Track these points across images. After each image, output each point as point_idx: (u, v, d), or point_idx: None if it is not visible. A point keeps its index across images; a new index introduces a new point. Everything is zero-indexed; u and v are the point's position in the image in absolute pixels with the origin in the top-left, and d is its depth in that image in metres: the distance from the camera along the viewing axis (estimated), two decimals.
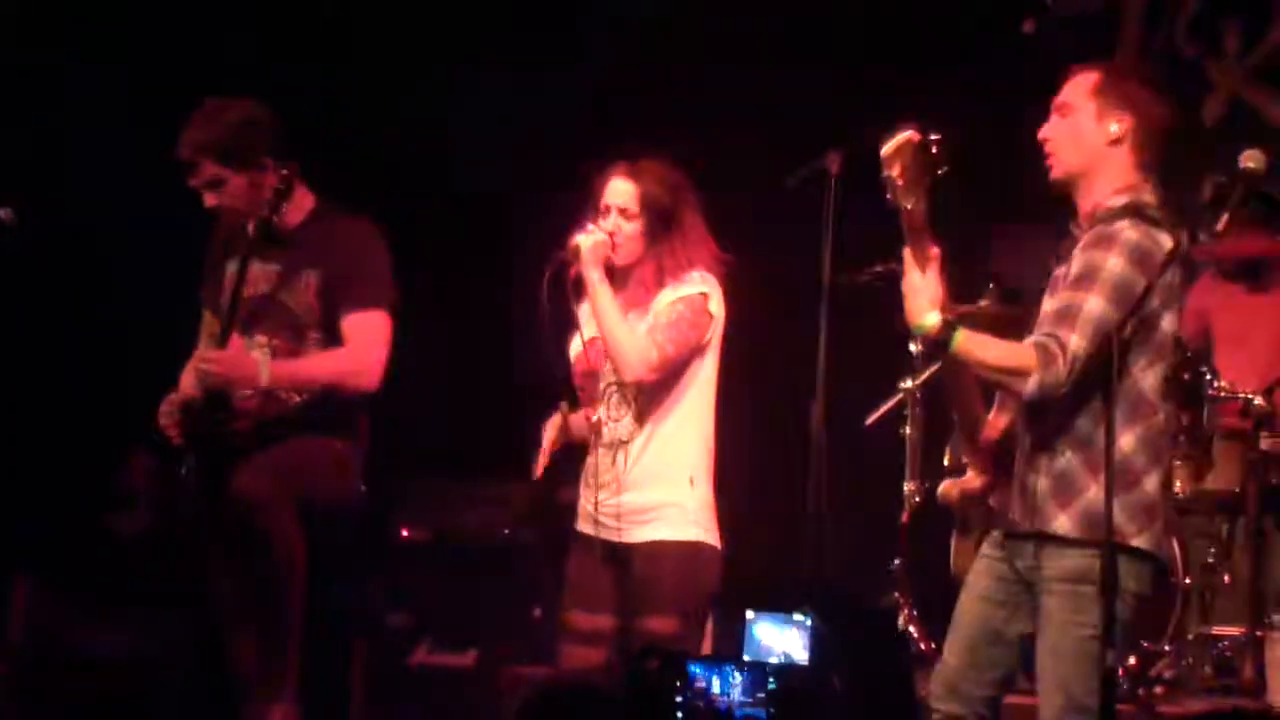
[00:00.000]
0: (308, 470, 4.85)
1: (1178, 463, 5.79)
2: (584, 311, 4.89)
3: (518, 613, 6.39)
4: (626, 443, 4.82)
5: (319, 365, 4.99)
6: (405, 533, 6.79)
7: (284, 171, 4.96)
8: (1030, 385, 3.89)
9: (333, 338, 5.02)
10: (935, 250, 3.94)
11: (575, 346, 4.95)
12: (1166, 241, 3.98)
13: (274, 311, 5.01)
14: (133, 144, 6.34)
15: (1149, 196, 4.08)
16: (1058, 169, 4.14)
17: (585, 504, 4.91)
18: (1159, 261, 3.95)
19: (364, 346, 5.01)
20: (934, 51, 7.31)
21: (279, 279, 5.00)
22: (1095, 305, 3.92)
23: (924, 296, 3.92)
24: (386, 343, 5.05)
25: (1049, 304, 4.04)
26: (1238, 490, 5.67)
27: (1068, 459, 3.98)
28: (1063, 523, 3.95)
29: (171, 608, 5.09)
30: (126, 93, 6.85)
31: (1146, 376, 4.02)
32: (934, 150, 3.90)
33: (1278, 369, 5.88)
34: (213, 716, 4.94)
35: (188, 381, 4.95)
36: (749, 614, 2.30)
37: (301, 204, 5.08)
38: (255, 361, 4.88)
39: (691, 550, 4.65)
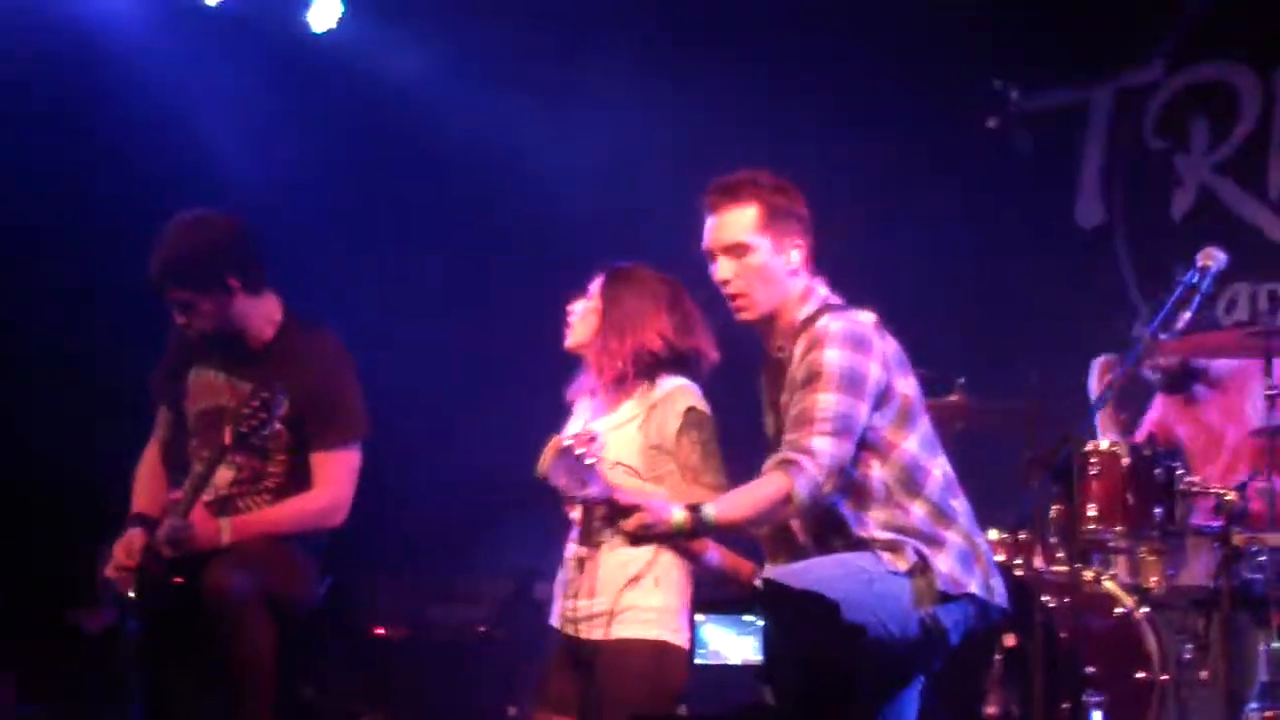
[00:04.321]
0: (271, 569, 4.83)
1: (1150, 557, 5.82)
2: (579, 407, 4.96)
3: (493, 710, 6.36)
4: (595, 549, 4.82)
5: (283, 514, 5.00)
6: (380, 630, 6.77)
7: (252, 288, 4.99)
8: (796, 504, 3.93)
9: (299, 461, 5.01)
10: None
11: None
12: (867, 316, 4.11)
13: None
14: None
15: (824, 289, 4.20)
16: (752, 311, 4.18)
17: (557, 603, 4.91)
18: (869, 336, 4.07)
19: (332, 487, 5.03)
20: None
21: (244, 399, 4.95)
22: (827, 400, 3.99)
23: (655, 501, 3.98)
24: (354, 480, 5.08)
25: (776, 424, 4.11)
26: (1212, 586, 5.67)
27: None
28: None
29: (132, 706, 5.05)
30: None
31: (910, 441, 4.09)
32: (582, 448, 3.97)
33: (1246, 470, 5.90)
34: None
35: (133, 541, 4.91)
36: (699, 617, 2.28)
37: (271, 317, 5.09)
38: (217, 527, 4.87)
39: (657, 650, 4.62)
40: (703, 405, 4.87)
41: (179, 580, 4.80)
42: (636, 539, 3.98)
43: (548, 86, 7.67)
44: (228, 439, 4.81)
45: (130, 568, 4.84)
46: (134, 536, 4.89)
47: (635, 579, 4.72)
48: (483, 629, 6.58)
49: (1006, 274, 7.47)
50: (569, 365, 5.07)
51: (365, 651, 6.69)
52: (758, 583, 2.27)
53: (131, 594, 4.82)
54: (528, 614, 5.71)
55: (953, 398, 5.94)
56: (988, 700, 5.41)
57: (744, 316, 4.18)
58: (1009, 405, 5.89)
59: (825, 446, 3.96)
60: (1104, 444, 5.71)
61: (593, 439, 4.55)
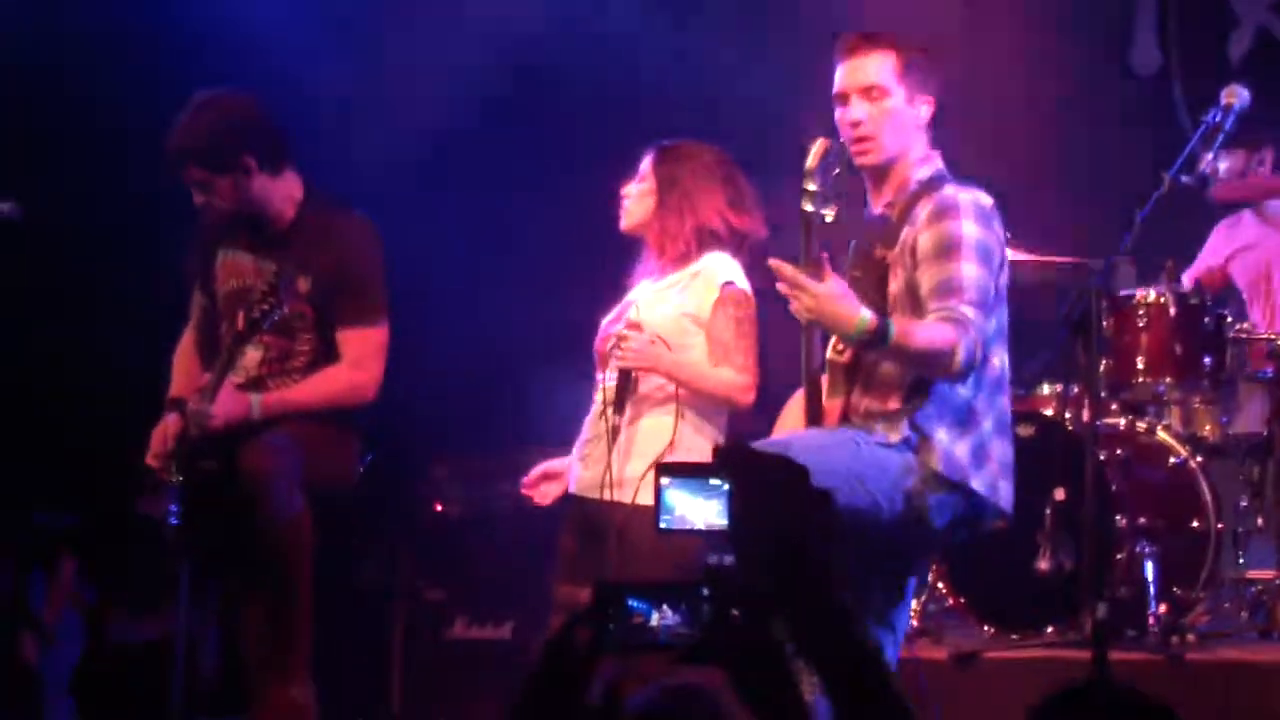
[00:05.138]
0: (307, 448, 4.86)
1: (1203, 406, 5.75)
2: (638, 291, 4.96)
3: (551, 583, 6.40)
4: (619, 416, 4.82)
5: (312, 391, 4.99)
6: (438, 507, 6.80)
7: (270, 167, 4.97)
8: (959, 360, 3.90)
9: (327, 340, 5.00)
10: (824, 254, 3.94)
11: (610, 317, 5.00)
12: (986, 196, 4.08)
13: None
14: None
15: (941, 162, 4.17)
16: (876, 155, 4.13)
17: (576, 469, 4.94)
18: (993, 213, 4.06)
19: (359, 364, 5.02)
20: None
21: (270, 279, 4.97)
22: (970, 270, 3.96)
23: (844, 301, 3.88)
24: (383, 355, 5.06)
25: (904, 283, 4.04)
26: (1265, 433, 5.60)
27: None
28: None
29: (194, 592, 5.11)
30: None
31: (989, 325, 4.02)
32: (837, 169, 4.00)
33: None
34: (228, 699, 4.96)
35: (169, 426, 4.94)
36: (663, 480, 2.25)
37: (292, 196, 5.07)
38: (247, 403, 4.89)
39: None
40: (744, 282, 4.84)
41: (214, 463, 4.82)
42: (815, 319, 3.92)
43: None
44: (240, 324, 4.83)
45: (167, 453, 4.88)
46: (170, 422, 4.93)
47: (665, 448, 4.74)
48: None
49: (1060, 124, 7.34)
50: (625, 244, 5.09)
51: (425, 529, 6.73)
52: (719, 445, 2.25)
53: (171, 479, 4.86)
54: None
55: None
56: (1040, 555, 5.39)
57: (868, 160, 4.13)
58: (1059, 260, 5.82)
59: (976, 318, 3.93)
60: (1150, 295, 5.63)
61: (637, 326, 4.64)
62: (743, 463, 2.24)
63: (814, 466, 3.71)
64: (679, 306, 4.83)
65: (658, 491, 2.25)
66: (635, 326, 4.79)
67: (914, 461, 3.99)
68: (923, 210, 4.06)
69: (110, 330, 6.89)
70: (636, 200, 4.96)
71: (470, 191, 7.22)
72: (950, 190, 4.07)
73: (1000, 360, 4.13)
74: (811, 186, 4.01)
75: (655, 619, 2.21)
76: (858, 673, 2.18)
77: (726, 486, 2.25)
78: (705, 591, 2.20)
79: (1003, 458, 4.09)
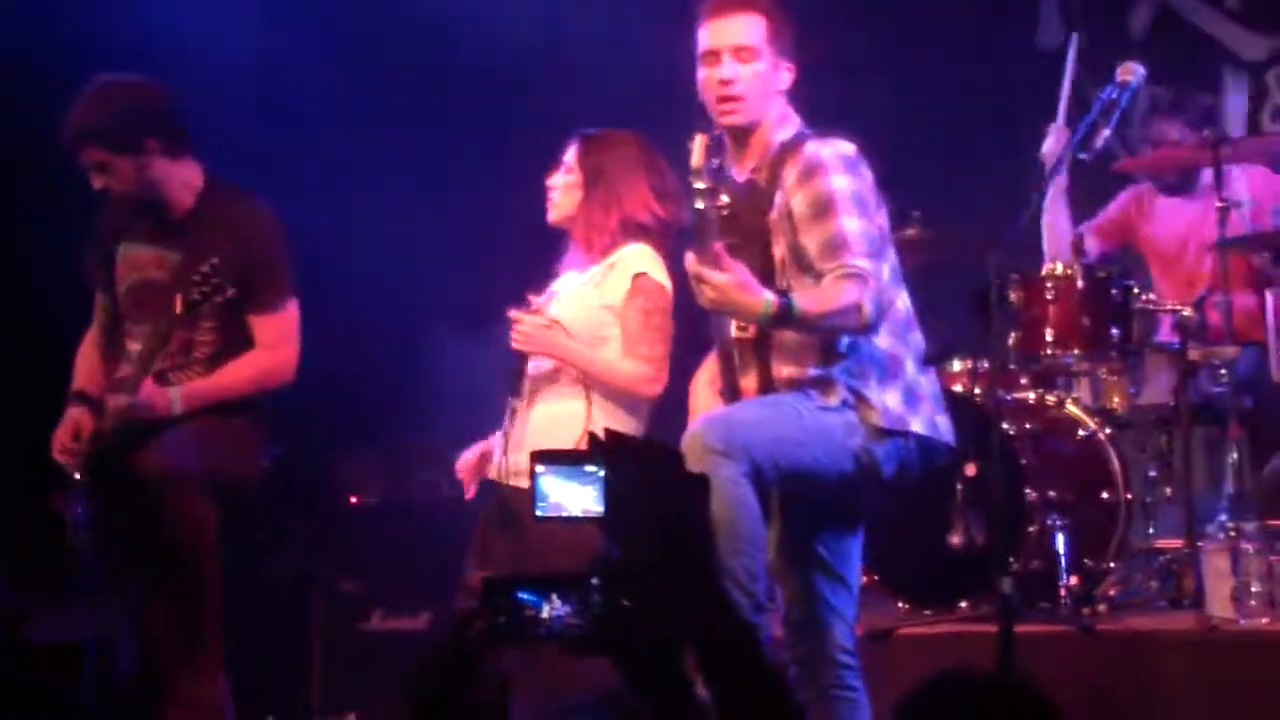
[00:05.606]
0: (210, 444, 4.82)
1: (1111, 378, 5.79)
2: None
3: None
4: (517, 400, 4.87)
5: (233, 377, 4.96)
6: (353, 500, 6.78)
7: (171, 152, 4.94)
8: (867, 313, 3.93)
9: (230, 329, 4.95)
10: (721, 245, 3.94)
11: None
12: (848, 144, 4.10)
13: (164, 303, 4.91)
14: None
15: (798, 122, 4.19)
16: (743, 116, 4.14)
17: (496, 456, 4.97)
18: (858, 159, 4.08)
19: (275, 347, 5.00)
20: None
21: (174, 268, 4.95)
22: (852, 224, 3.98)
23: (746, 290, 3.90)
24: (296, 336, 5.05)
25: (788, 248, 4.06)
26: (1172, 403, 5.65)
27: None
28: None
29: (108, 590, 5.07)
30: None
31: (882, 270, 4.06)
32: (718, 160, 4.02)
33: (1210, 280, 5.84)
34: (143, 697, 4.93)
35: (78, 418, 4.91)
36: (538, 468, 2.24)
37: (191, 183, 5.03)
38: (168, 397, 4.86)
39: None
40: (658, 274, 4.85)
41: (121, 460, 4.79)
42: (719, 307, 3.95)
43: None
44: (178, 308, 4.76)
45: (75, 449, 4.83)
46: (76, 416, 4.89)
47: (579, 434, 4.74)
48: (451, 490, 6.56)
49: (968, 103, 7.38)
50: (545, 235, 5.09)
51: (341, 521, 6.71)
52: (599, 433, 2.24)
53: (78, 475, 4.82)
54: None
55: (910, 231, 5.87)
56: (952, 529, 5.41)
57: (734, 120, 4.13)
58: (967, 236, 5.83)
59: (870, 267, 3.96)
60: (1058, 268, 5.67)
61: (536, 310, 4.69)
62: (617, 449, 2.24)
63: (758, 437, 3.82)
64: (598, 298, 4.86)
65: (533, 479, 2.25)
66: (534, 311, 4.80)
67: (855, 419, 4.02)
68: (790, 173, 4.08)
69: (28, 323, 6.82)
70: (563, 193, 4.98)
71: (388, 178, 7.18)
72: (812, 147, 4.09)
73: (903, 302, 4.17)
74: (700, 184, 4.01)
75: (546, 611, 2.20)
76: (737, 655, 2.18)
77: (602, 473, 2.24)
78: (595, 582, 2.20)
79: (932, 393, 4.16)
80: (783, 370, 4.09)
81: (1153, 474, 5.81)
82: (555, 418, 4.80)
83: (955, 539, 5.40)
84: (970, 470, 5.35)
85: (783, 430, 3.94)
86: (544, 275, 5.11)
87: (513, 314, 4.82)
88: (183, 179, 5.01)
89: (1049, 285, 5.65)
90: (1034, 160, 6.06)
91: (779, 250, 4.09)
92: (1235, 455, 5.35)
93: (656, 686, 2.18)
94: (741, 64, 4.12)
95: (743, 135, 4.17)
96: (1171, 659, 4.89)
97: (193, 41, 6.74)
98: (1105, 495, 5.60)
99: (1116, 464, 5.62)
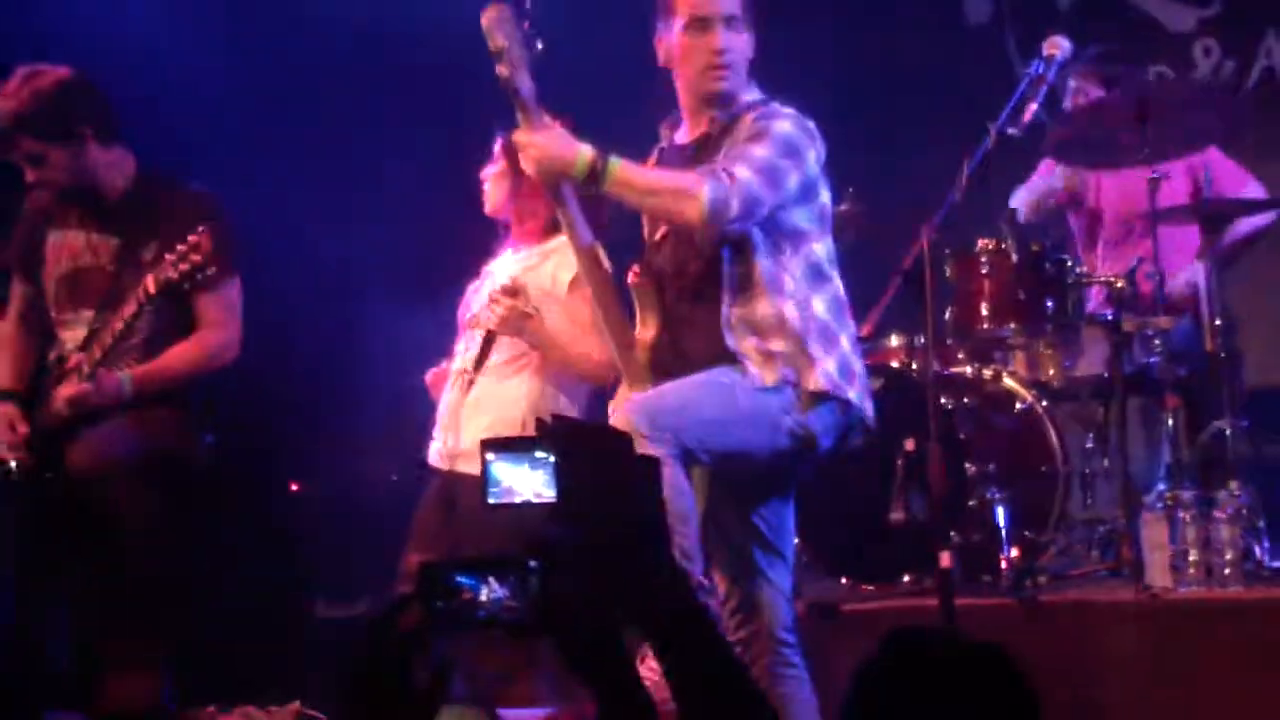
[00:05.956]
0: (144, 437, 4.79)
1: (1047, 350, 5.82)
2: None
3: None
4: (471, 383, 4.86)
5: (180, 359, 4.92)
6: (294, 487, 6.76)
7: (104, 139, 4.89)
8: (700, 205, 3.90)
9: (165, 313, 4.88)
10: (550, 121, 3.96)
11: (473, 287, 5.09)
12: (811, 122, 4.10)
13: (103, 285, 4.92)
14: None
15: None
16: (729, 83, 4.14)
17: (436, 441, 4.97)
18: (814, 130, 4.09)
19: (219, 326, 4.97)
20: None
21: (113, 253, 4.92)
22: (765, 151, 3.99)
23: (563, 141, 3.93)
24: (238, 313, 5.02)
25: None
26: (1107, 375, 5.68)
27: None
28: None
29: (43, 584, 5.03)
30: None
31: (821, 245, 4.09)
32: (526, 22, 3.95)
33: (1140, 248, 5.87)
34: (79, 691, 4.90)
35: (8, 412, 4.88)
36: (488, 455, 2.24)
37: (124, 170, 4.99)
38: (118, 381, 4.82)
39: None
40: (603, 260, 4.83)
41: (59, 452, 4.76)
42: (544, 168, 3.95)
43: None
44: (152, 287, 4.71)
45: (13, 442, 4.81)
46: (5, 411, 4.85)
47: (509, 416, 4.75)
48: (394, 476, 6.56)
49: (898, 78, 7.40)
50: (483, 224, 5.08)
51: (282, 508, 6.68)
52: (546, 419, 2.23)
53: (13, 466, 4.79)
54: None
55: (843, 207, 5.87)
56: (892, 506, 5.44)
57: (722, 87, 4.12)
58: (900, 212, 5.84)
59: (747, 176, 3.94)
60: (991, 242, 5.68)
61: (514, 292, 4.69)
62: (566, 434, 2.23)
63: (687, 420, 3.81)
64: (535, 281, 4.84)
65: (484, 466, 2.24)
66: (512, 292, 4.78)
67: (792, 395, 4.01)
68: (748, 117, 4.09)
69: None
70: (494, 184, 5.01)
71: (334, 171, 7.14)
72: (776, 105, 4.13)
73: (837, 282, 4.17)
74: (499, 44, 3.93)
75: (484, 594, 2.19)
76: (692, 637, 2.18)
77: (551, 459, 2.23)
78: (533, 564, 2.19)
79: (861, 374, 4.17)
80: (728, 328, 4.06)
81: (1090, 445, 5.85)
82: (506, 400, 4.81)
83: (896, 514, 5.42)
84: (909, 445, 5.38)
85: (713, 412, 3.93)
86: (480, 261, 5.11)
87: (495, 294, 4.81)
88: (116, 166, 4.96)
89: (983, 260, 5.68)
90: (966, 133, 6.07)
91: None
92: (1171, 424, 5.38)
93: (597, 669, 2.17)
94: (734, 33, 4.12)
95: (708, 103, 4.16)
96: (1112, 629, 4.93)
97: (115, 37, 6.67)
98: (1043, 467, 5.65)
99: (1054, 436, 5.67)
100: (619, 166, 3.93)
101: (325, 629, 6.42)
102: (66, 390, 4.78)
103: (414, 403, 5.31)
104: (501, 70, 3.95)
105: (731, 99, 4.15)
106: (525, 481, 2.25)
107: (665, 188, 3.97)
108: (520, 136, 3.96)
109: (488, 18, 3.94)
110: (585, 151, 3.91)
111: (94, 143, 4.89)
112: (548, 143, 3.93)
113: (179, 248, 4.68)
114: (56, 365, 4.94)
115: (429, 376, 5.14)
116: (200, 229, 4.68)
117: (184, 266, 4.68)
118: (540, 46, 3.97)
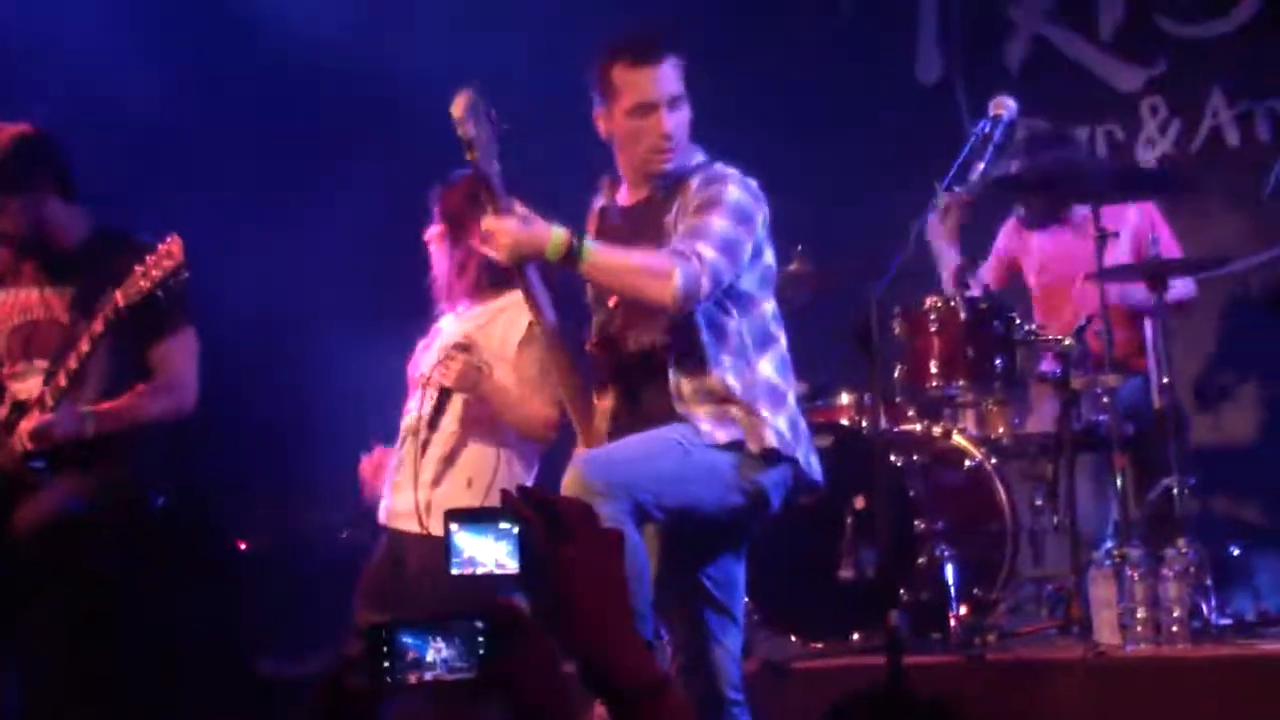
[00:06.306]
0: (92, 497, 4.77)
1: (995, 408, 5.84)
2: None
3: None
4: (431, 432, 4.87)
5: (141, 401, 4.91)
6: (242, 545, 6.72)
7: (63, 193, 4.92)
8: (673, 290, 3.92)
9: (120, 360, 4.88)
10: (519, 207, 3.98)
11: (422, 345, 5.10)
12: (754, 182, 4.14)
13: (58, 337, 4.91)
14: None
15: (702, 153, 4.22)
16: (676, 160, 4.17)
17: (385, 500, 4.98)
18: (758, 191, 4.12)
19: (178, 373, 4.97)
20: None
21: (67, 304, 4.92)
22: (721, 223, 4.02)
23: (533, 225, 3.94)
24: (195, 361, 5.02)
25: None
26: (1056, 432, 5.70)
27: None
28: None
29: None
30: None
31: (767, 305, 4.14)
32: (491, 110, 3.97)
33: (1089, 307, 5.90)
34: None
35: None
36: (451, 525, 2.23)
37: (78, 225, 5.01)
38: (81, 415, 4.80)
39: None
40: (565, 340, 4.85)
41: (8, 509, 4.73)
42: (516, 253, 3.95)
43: None
44: (121, 301, 4.66)
45: None
46: None
47: (490, 475, 4.78)
48: (344, 533, 6.53)
49: (850, 136, 7.45)
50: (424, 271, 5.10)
51: (230, 566, 6.64)
52: (512, 490, 2.23)
53: None
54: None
55: (792, 265, 5.90)
56: (841, 564, 5.44)
57: (667, 166, 4.15)
58: (849, 269, 5.86)
59: (711, 256, 3.97)
60: (940, 300, 5.71)
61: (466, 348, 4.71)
62: (531, 506, 2.22)
63: (640, 475, 3.81)
64: (483, 341, 4.85)
65: (447, 537, 2.23)
66: (463, 348, 4.80)
67: (744, 455, 4.02)
68: (695, 181, 4.12)
69: None
70: (435, 244, 5.04)
71: (283, 221, 7.13)
72: (719, 168, 4.15)
73: (782, 342, 4.20)
74: (470, 133, 3.96)
75: (430, 654, 2.18)
76: (654, 711, 2.17)
77: (515, 530, 2.22)
78: (480, 624, 2.18)
79: (806, 433, 4.19)
80: (678, 398, 4.07)
81: (1039, 503, 5.85)
82: (464, 461, 4.81)
83: (845, 572, 5.43)
84: (859, 503, 5.38)
85: (666, 468, 3.94)
86: (427, 316, 5.11)
87: (448, 350, 4.82)
88: (71, 220, 4.99)
89: (932, 318, 5.69)
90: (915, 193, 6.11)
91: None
92: (1120, 482, 5.40)
93: None
94: (678, 112, 4.14)
95: (654, 177, 4.19)
96: (1060, 686, 4.92)
97: (53, 65, 6.67)
98: (993, 525, 5.66)
99: (1003, 494, 5.68)
100: (593, 247, 3.95)
101: (273, 688, 6.35)
102: (28, 424, 4.76)
103: (363, 458, 5.29)
104: (471, 158, 3.97)
105: (676, 170, 4.18)
106: (488, 552, 2.24)
107: (637, 268, 3.98)
108: (489, 223, 3.97)
109: (458, 106, 3.96)
110: (559, 233, 3.93)
111: (54, 197, 4.92)
112: (518, 229, 3.93)
113: (148, 258, 4.66)
114: (14, 412, 4.90)
115: (364, 468, 5.11)
116: (169, 237, 4.66)
117: (156, 274, 4.66)
118: (506, 127, 4.00)
